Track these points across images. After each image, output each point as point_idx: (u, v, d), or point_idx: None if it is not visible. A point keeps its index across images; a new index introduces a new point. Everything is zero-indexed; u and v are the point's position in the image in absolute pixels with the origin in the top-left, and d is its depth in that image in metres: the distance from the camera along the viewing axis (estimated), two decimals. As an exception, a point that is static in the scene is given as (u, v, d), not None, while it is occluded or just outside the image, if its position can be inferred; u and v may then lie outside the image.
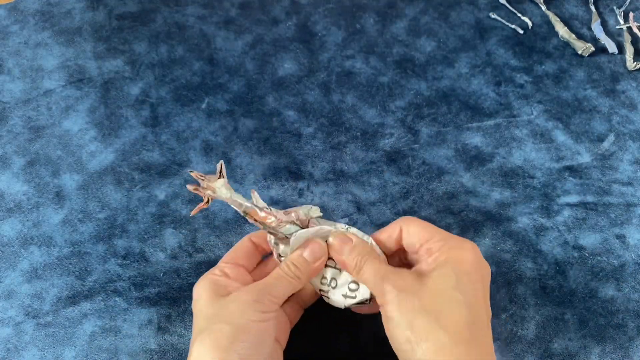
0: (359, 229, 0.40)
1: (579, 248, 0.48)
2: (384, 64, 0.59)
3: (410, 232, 0.38)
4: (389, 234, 0.39)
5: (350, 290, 0.39)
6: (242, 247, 0.41)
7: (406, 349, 0.33)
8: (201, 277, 0.39)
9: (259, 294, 0.36)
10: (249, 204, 0.39)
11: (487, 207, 0.50)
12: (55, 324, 0.44)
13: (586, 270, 0.47)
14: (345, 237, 0.39)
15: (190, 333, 0.44)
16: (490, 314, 0.36)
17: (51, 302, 0.45)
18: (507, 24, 0.62)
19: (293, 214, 0.39)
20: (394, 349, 0.35)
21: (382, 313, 0.36)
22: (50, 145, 0.53)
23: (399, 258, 0.41)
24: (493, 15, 0.62)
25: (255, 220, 0.39)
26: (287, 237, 0.39)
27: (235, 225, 0.49)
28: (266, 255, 0.43)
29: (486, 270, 0.36)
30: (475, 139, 0.54)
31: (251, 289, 0.37)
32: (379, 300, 0.36)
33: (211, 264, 0.47)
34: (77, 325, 0.44)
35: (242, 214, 0.39)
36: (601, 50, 0.60)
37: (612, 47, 0.59)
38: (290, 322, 0.40)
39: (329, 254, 0.39)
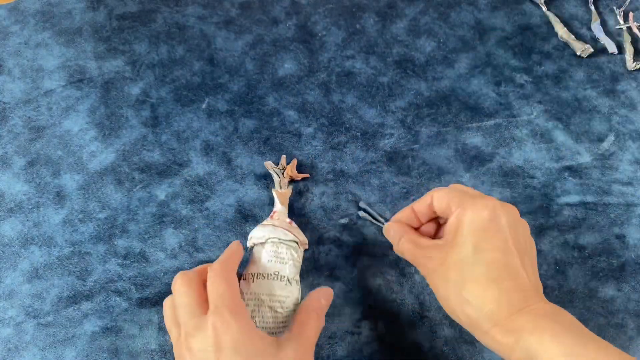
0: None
1: (579, 248, 0.48)
2: (384, 64, 0.59)
3: (438, 199, 0.40)
4: (421, 203, 0.42)
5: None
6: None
7: (450, 313, 0.38)
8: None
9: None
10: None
11: (487, 207, 0.50)
12: (56, 324, 0.45)
13: (586, 270, 0.47)
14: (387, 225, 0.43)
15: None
16: (527, 246, 0.38)
17: (52, 302, 0.45)
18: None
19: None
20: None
21: None
22: (51, 146, 0.53)
23: (438, 223, 0.43)
24: None
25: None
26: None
27: (235, 225, 0.49)
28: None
29: (505, 219, 0.37)
30: (475, 139, 0.54)
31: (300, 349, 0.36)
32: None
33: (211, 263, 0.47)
34: (77, 326, 0.44)
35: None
36: (601, 50, 0.60)
37: (612, 47, 0.59)
38: None
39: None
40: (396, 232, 0.42)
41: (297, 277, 0.40)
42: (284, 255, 0.40)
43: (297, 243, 0.41)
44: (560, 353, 0.32)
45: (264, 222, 0.43)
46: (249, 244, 0.42)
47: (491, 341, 0.35)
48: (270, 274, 0.39)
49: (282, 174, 0.49)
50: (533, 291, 0.35)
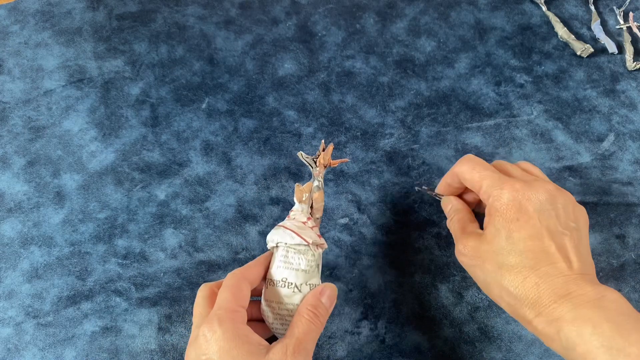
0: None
1: (579, 248, 0.48)
2: (384, 64, 0.59)
3: (466, 179, 0.41)
4: (448, 183, 0.43)
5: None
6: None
7: (494, 301, 0.38)
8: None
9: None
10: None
11: (487, 207, 0.50)
12: (56, 324, 0.45)
13: (586, 270, 0.47)
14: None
15: (190, 332, 0.44)
16: (569, 226, 0.37)
17: (52, 302, 0.45)
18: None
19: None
20: None
21: None
22: (51, 145, 0.53)
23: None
24: None
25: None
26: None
27: (235, 225, 0.49)
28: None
29: (534, 203, 0.37)
30: (475, 139, 0.54)
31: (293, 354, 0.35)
32: None
33: (212, 263, 0.47)
34: (77, 326, 0.44)
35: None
36: (601, 50, 0.60)
37: (612, 47, 0.59)
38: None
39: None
40: (450, 209, 0.43)
41: (313, 281, 0.38)
42: (292, 260, 0.38)
43: (308, 246, 0.39)
44: (599, 345, 0.31)
45: (279, 224, 0.41)
46: (268, 247, 0.40)
47: (534, 330, 0.35)
48: (278, 281, 0.38)
49: (315, 162, 0.43)
50: (577, 275, 0.35)
